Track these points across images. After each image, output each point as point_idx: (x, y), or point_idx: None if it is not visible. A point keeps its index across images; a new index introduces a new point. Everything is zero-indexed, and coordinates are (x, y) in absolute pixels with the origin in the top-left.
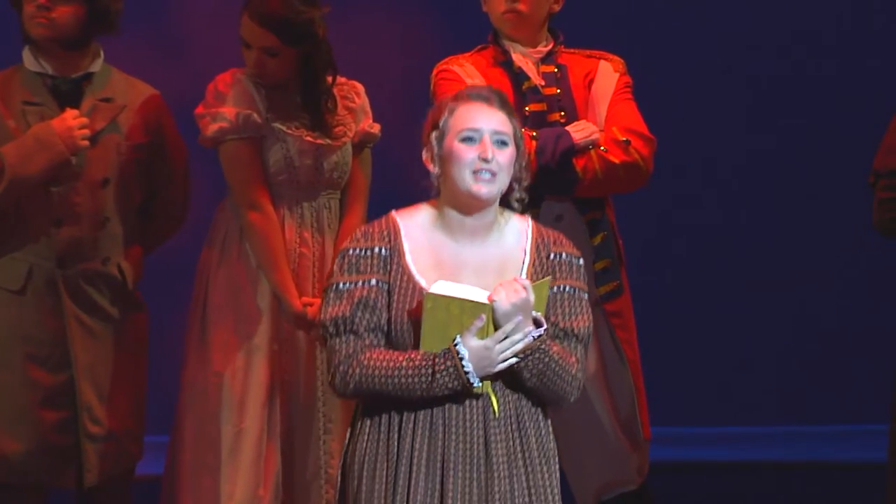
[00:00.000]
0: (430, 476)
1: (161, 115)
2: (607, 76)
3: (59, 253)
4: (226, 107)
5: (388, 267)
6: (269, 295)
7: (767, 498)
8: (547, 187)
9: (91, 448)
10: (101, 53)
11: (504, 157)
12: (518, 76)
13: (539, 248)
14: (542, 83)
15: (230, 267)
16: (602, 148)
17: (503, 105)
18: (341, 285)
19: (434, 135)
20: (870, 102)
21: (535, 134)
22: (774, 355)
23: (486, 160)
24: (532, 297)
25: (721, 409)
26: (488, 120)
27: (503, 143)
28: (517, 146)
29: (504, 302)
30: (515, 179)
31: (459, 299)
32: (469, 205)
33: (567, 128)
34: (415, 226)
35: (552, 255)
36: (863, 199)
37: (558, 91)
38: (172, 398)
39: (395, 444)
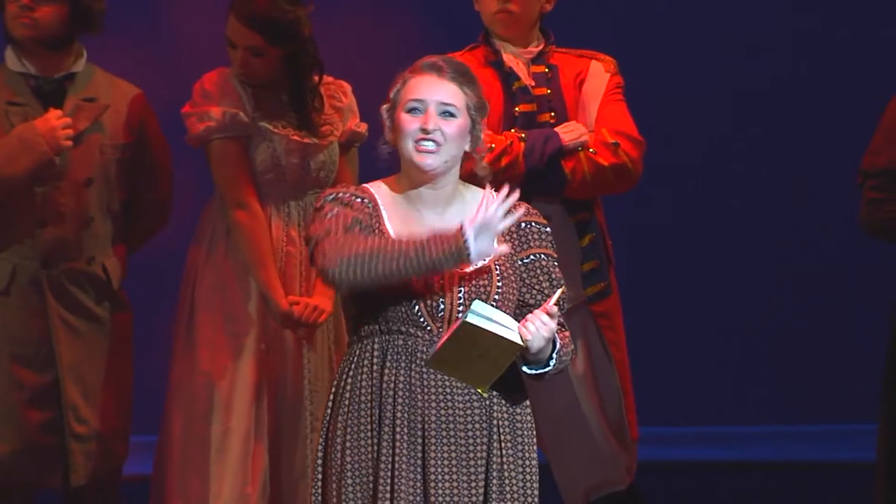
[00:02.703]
0: (413, 444)
1: (144, 115)
2: (598, 76)
3: (43, 253)
4: (213, 106)
5: (372, 224)
6: (257, 294)
7: (757, 497)
8: (535, 189)
9: (77, 448)
10: (84, 53)
11: (450, 128)
12: (508, 76)
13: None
14: (533, 83)
15: (217, 266)
16: (591, 150)
17: (456, 76)
18: (335, 209)
19: (386, 107)
20: (858, 102)
21: (523, 135)
22: (764, 355)
23: (425, 130)
24: (554, 324)
25: (710, 409)
26: (434, 91)
27: (450, 115)
28: (472, 117)
29: (539, 339)
30: (475, 151)
31: (495, 335)
32: (419, 176)
33: (556, 129)
34: (383, 196)
35: (523, 224)
36: (855, 200)
37: (549, 91)
38: (160, 398)
39: (377, 411)
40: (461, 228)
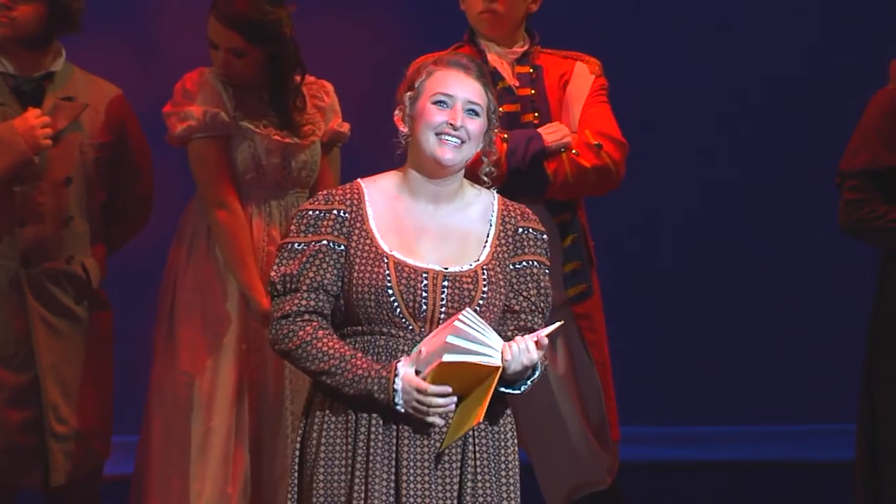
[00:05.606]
0: (388, 443)
1: (124, 114)
2: (583, 78)
3: (22, 252)
4: (193, 105)
5: (348, 230)
6: (237, 294)
7: (738, 497)
8: (517, 189)
9: (57, 447)
10: (63, 52)
11: (474, 127)
12: (493, 76)
13: (505, 220)
14: (517, 84)
15: (198, 266)
16: (574, 151)
17: (481, 76)
18: (295, 245)
19: (408, 94)
20: (841, 103)
21: (506, 136)
22: (745, 355)
23: (454, 126)
24: (538, 355)
25: (692, 409)
26: (463, 88)
27: (475, 113)
28: (489, 119)
29: (517, 364)
30: (484, 153)
31: (473, 364)
32: (433, 169)
33: (539, 130)
34: (379, 191)
35: (520, 230)
36: (834, 200)
37: (532, 92)
38: (141, 397)
39: (353, 428)
40: (394, 372)
